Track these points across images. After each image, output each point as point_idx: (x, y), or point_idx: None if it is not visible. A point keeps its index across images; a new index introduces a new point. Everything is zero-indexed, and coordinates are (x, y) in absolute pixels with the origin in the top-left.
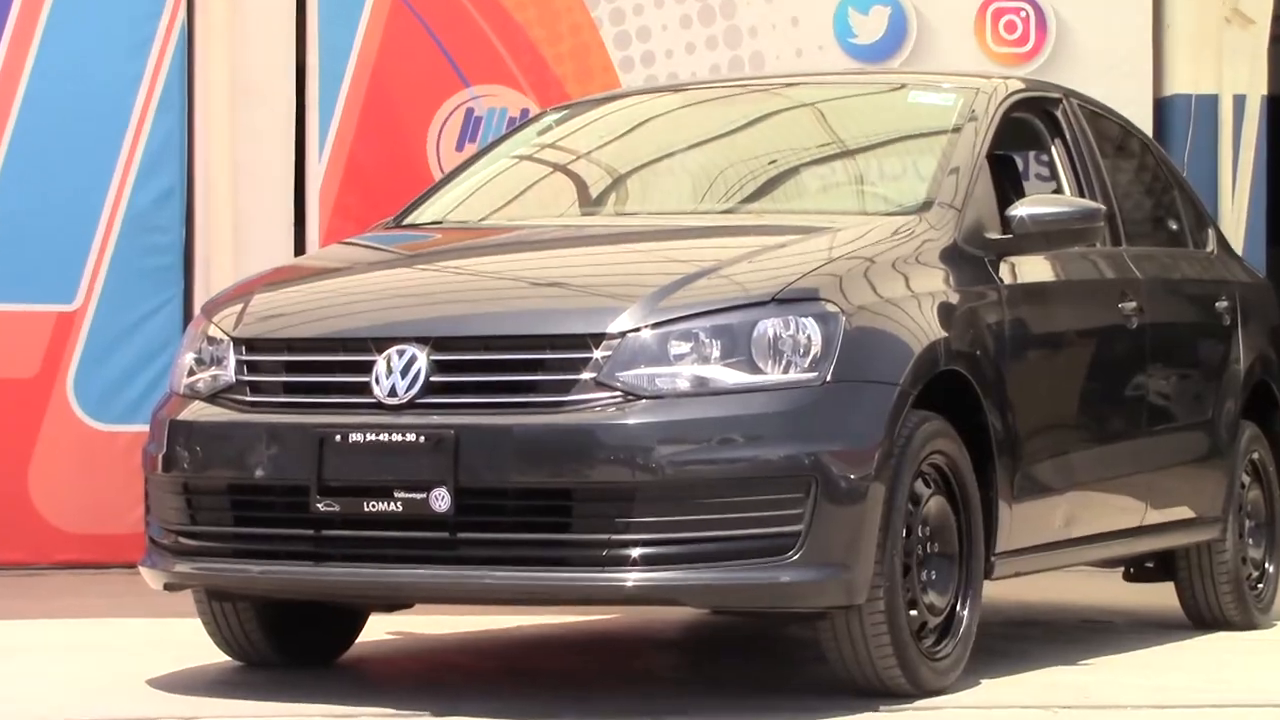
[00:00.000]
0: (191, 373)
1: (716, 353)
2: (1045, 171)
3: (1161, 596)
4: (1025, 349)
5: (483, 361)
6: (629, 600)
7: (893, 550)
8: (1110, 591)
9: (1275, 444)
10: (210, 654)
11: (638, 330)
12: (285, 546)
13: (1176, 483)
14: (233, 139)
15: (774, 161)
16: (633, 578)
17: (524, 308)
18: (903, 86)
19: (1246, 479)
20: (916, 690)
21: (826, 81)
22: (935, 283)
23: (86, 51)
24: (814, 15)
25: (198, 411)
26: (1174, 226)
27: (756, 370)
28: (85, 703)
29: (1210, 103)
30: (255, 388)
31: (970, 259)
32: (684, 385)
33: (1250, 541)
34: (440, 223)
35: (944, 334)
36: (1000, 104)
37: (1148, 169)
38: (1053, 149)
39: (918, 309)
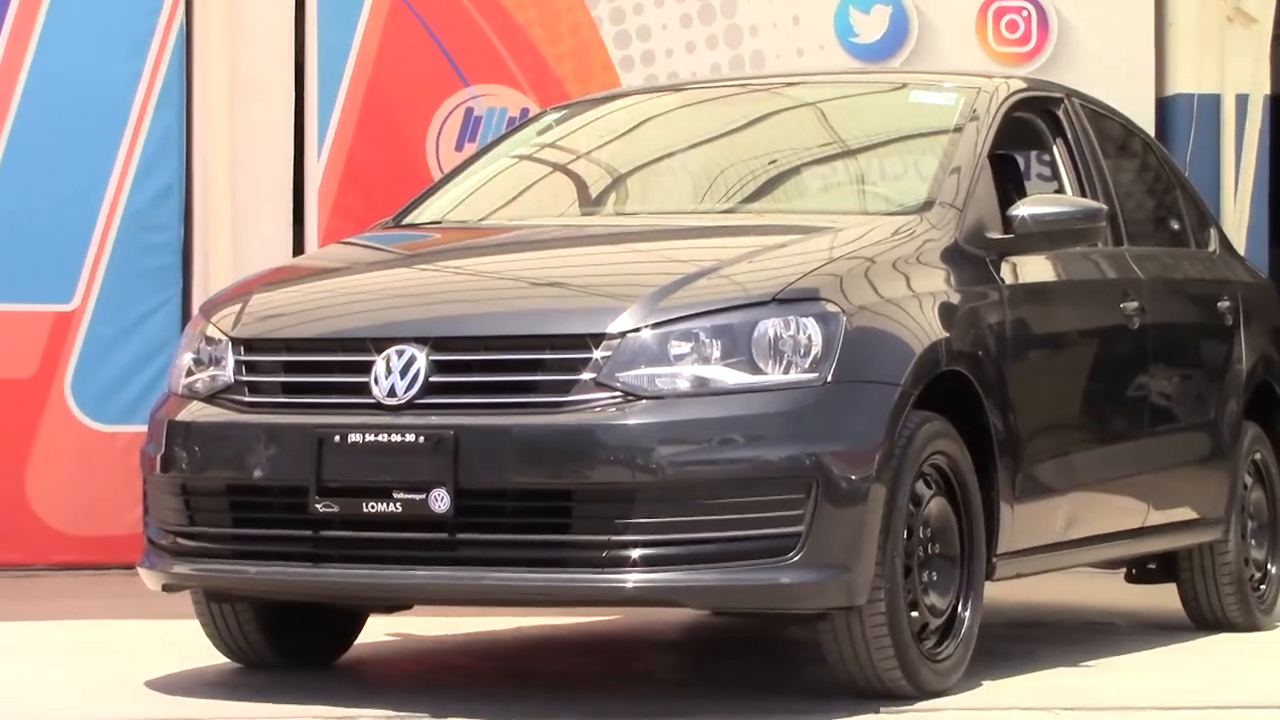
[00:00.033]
0: (190, 373)
1: (717, 353)
2: (1047, 171)
3: (1163, 598)
4: (1027, 349)
5: (482, 362)
6: (629, 601)
7: (894, 551)
8: (1112, 593)
9: (1277, 444)
10: (209, 655)
11: (638, 330)
12: (284, 547)
13: (1178, 483)
14: (232, 137)
15: (774, 161)
16: (633, 579)
17: (524, 308)
18: (904, 86)
19: (1249, 480)
20: (917, 692)
21: (827, 81)
22: (936, 283)
23: (85, 49)
24: (815, 14)
25: (196, 412)
26: (1176, 226)
27: (757, 370)
28: (83, 704)
29: (1212, 102)
30: (254, 388)
31: (971, 259)
32: (684, 385)
33: (1253, 542)
34: (439, 222)
35: (945, 334)
36: (1002, 103)
37: (1150, 169)
38: (1054, 149)
39: (919, 309)
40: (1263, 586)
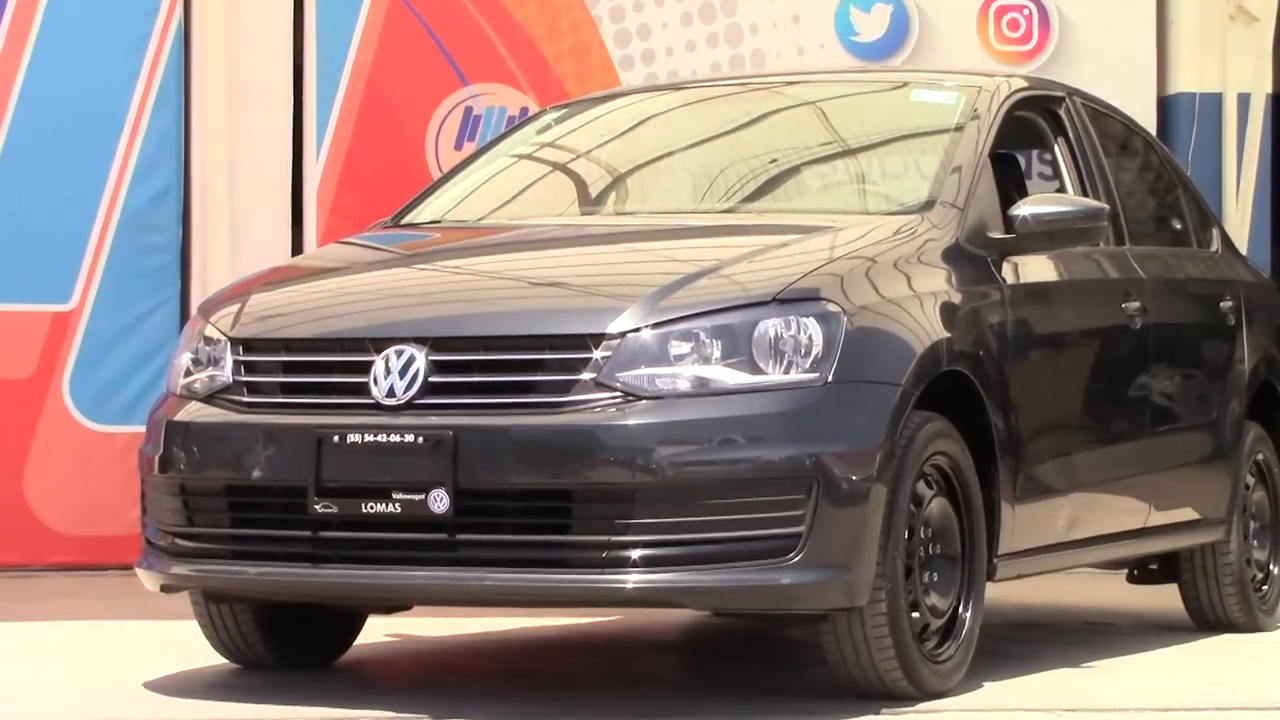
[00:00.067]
0: (188, 373)
1: (717, 353)
2: (1048, 170)
3: (1165, 598)
4: (1028, 349)
5: (482, 362)
6: (629, 602)
7: (894, 552)
8: (1113, 593)
9: (1279, 445)
10: (207, 656)
11: (638, 330)
12: (283, 548)
13: (1180, 484)
14: (230, 138)
15: (775, 160)
16: (633, 579)
17: (523, 308)
18: (905, 85)
19: (1251, 480)
20: (918, 693)
21: (828, 80)
22: (937, 282)
23: (83, 49)
24: (815, 13)
25: (195, 412)
26: (1178, 226)
27: (757, 370)
28: (82, 705)
29: (1214, 101)
30: (252, 388)
31: (973, 258)
32: (684, 386)
33: (1254, 543)
34: (439, 222)
35: (946, 334)
36: (1003, 102)
37: (1151, 168)
38: (1056, 148)
39: (920, 309)
40: (1265, 587)
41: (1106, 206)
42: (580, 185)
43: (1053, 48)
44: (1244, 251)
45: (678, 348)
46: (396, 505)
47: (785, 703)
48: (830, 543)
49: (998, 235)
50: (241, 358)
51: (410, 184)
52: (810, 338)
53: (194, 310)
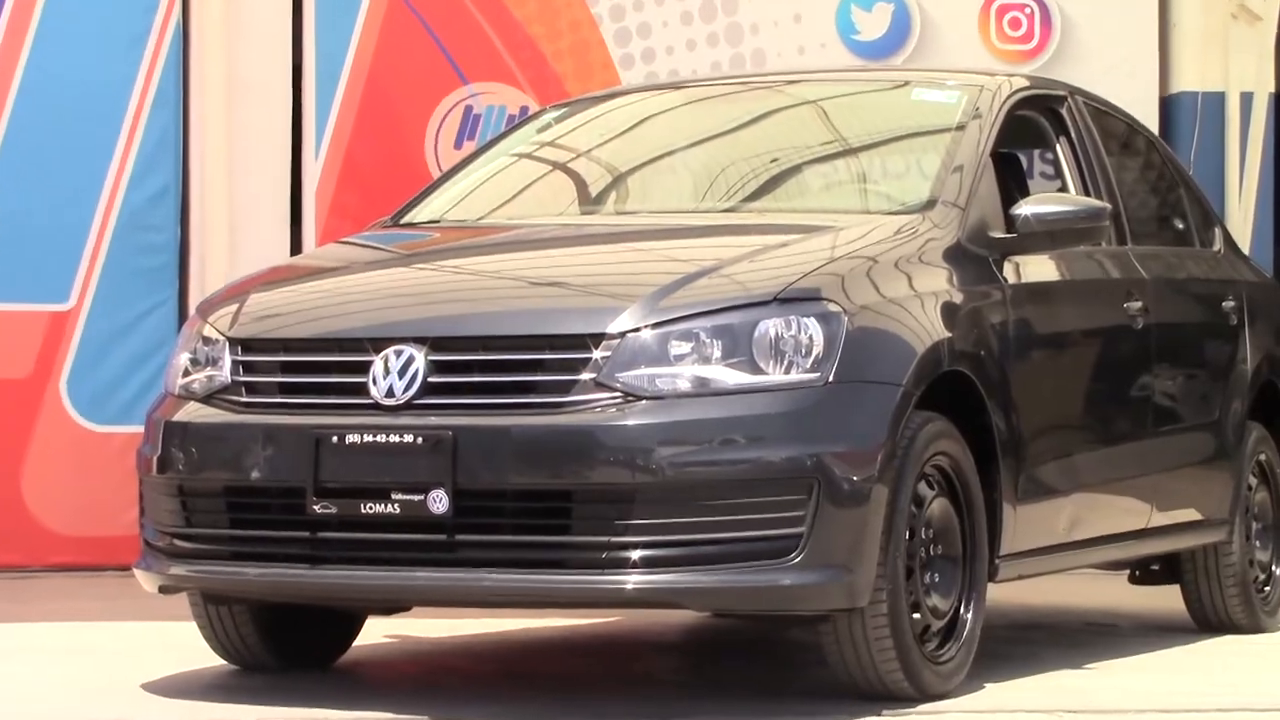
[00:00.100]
0: (186, 373)
1: (717, 353)
2: (1050, 170)
3: (1167, 599)
4: (1029, 349)
5: (481, 362)
6: (629, 603)
7: (895, 552)
8: (1115, 594)
9: None
10: (206, 657)
11: (638, 330)
12: (281, 549)
13: (1182, 484)
14: (229, 137)
15: (776, 160)
16: (633, 580)
17: (523, 307)
18: (906, 84)
19: (1253, 481)
20: (919, 694)
21: (829, 79)
22: (939, 282)
23: (81, 48)
24: (816, 12)
25: (193, 412)
26: (1180, 225)
27: (758, 370)
28: (80, 706)
29: (1217, 100)
30: (251, 388)
31: (974, 258)
32: (685, 386)
33: (1257, 544)
34: (438, 222)
35: (947, 334)
36: (1005, 101)
37: (1153, 167)
38: (1058, 147)
39: (921, 309)
40: (1267, 588)
41: (1108, 206)
42: (580, 185)
43: (1054, 47)
44: (1246, 251)
45: (678, 348)
46: (396, 506)
47: (786, 704)
48: (831, 543)
49: (999, 235)
50: (240, 358)
51: (410, 183)
52: (811, 338)
53: (192, 310)
